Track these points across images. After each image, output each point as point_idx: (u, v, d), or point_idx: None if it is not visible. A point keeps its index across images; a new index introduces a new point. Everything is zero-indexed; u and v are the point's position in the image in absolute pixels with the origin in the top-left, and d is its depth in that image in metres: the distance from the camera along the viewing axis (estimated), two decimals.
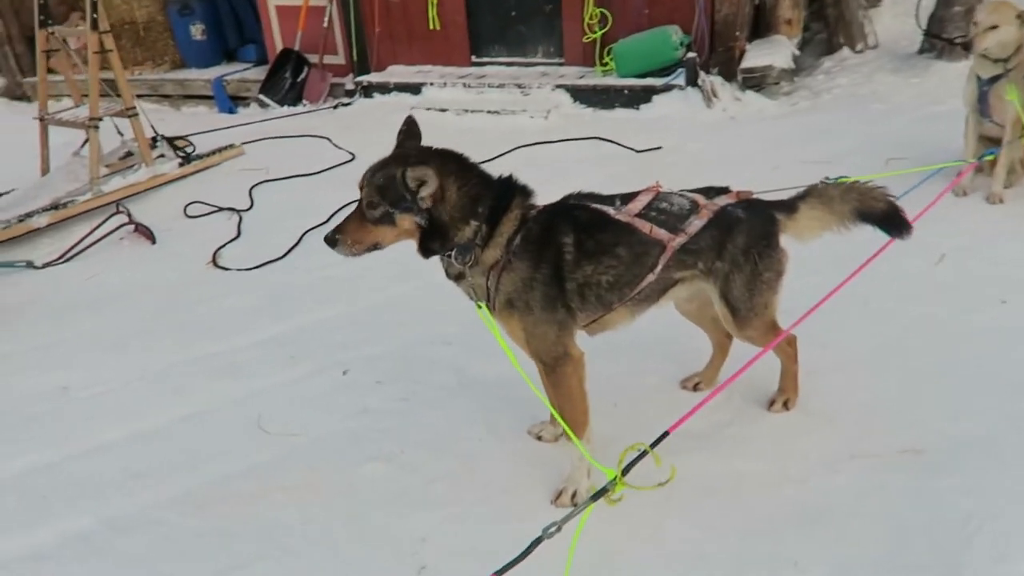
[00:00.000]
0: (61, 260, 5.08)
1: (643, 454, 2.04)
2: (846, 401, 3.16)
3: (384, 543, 2.59)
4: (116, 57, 5.79)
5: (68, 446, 3.20)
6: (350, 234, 2.54)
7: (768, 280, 2.83)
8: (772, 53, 7.06)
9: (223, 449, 3.12)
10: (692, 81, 6.90)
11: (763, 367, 3.09)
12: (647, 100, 7.02)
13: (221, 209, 5.67)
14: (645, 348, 3.56)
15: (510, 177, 2.66)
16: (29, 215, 5.42)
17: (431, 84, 7.73)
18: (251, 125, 7.73)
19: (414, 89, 7.77)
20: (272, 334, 3.95)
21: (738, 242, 2.77)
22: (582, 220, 2.66)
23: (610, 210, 2.70)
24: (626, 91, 7.11)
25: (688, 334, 3.36)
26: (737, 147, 6.10)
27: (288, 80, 8.62)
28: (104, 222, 5.34)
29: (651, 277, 2.71)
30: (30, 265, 5.00)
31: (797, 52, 7.59)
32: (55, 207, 5.53)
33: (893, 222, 2.85)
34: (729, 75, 7.09)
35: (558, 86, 7.32)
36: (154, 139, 6.32)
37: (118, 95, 5.97)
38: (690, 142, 6.28)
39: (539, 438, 3.07)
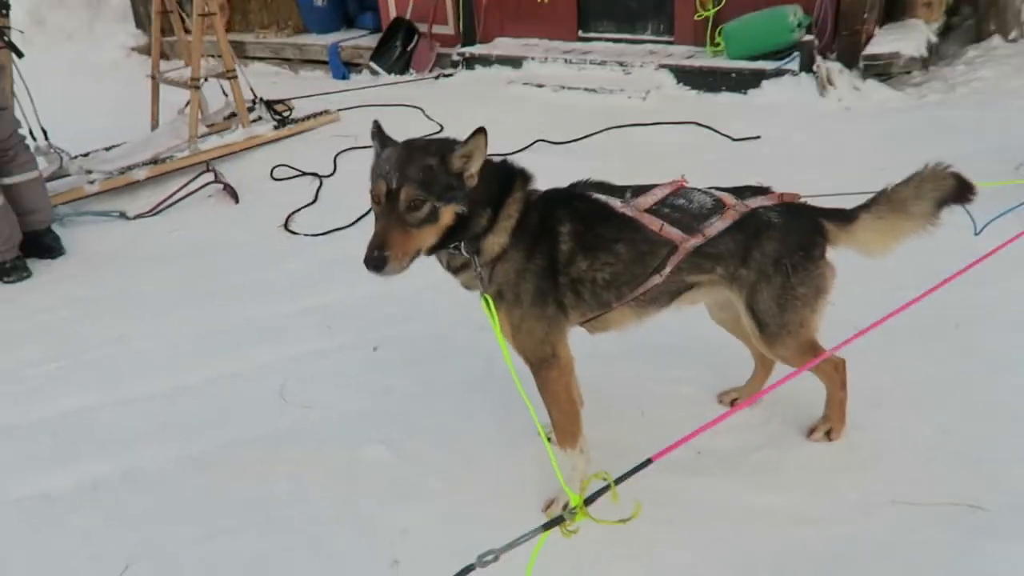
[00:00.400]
0: (151, 213, 5.34)
1: (605, 488, 1.84)
2: (902, 438, 2.81)
3: (365, 531, 2.53)
4: (219, 20, 5.99)
5: (109, 393, 3.35)
6: (398, 247, 2.18)
7: (803, 296, 2.52)
8: (903, 39, 6.40)
9: (243, 413, 3.16)
10: (807, 66, 6.37)
11: (816, 390, 2.81)
12: (755, 85, 6.56)
13: (304, 174, 5.78)
14: (688, 353, 3.32)
15: (508, 160, 2.48)
16: (131, 168, 5.72)
17: (533, 59, 7.56)
18: (354, 92, 7.84)
19: (515, 63, 7.63)
20: (318, 303, 3.98)
21: (767, 249, 2.48)
22: (582, 210, 2.46)
23: (616, 202, 2.49)
24: (734, 74, 6.67)
25: (739, 343, 3.09)
26: (845, 141, 5.59)
27: (398, 48, 8.68)
28: (194, 179, 5.57)
29: (657, 279, 2.48)
30: (123, 216, 5.29)
31: (934, 39, 6.86)
32: (155, 162, 5.81)
33: (962, 189, 2.50)
34: (851, 61, 6.49)
35: (662, 66, 6.96)
36: (254, 101, 6.50)
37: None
38: (795, 133, 5.81)
39: (548, 440, 2.91)
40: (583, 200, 2.49)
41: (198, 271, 4.48)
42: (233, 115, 6.59)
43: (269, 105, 6.58)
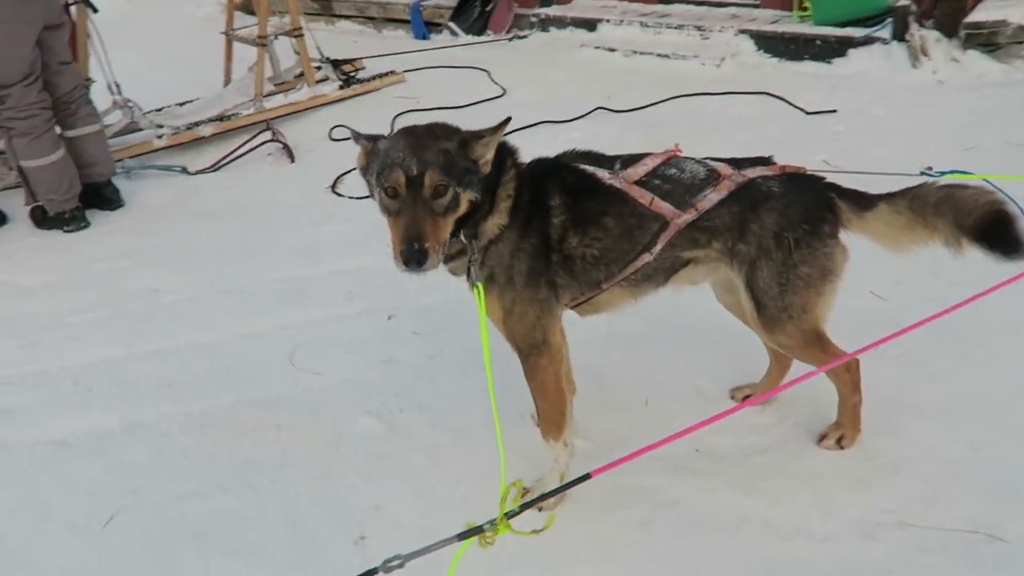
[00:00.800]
0: (211, 169, 5.47)
1: (527, 504, 1.72)
2: (926, 451, 2.56)
3: (340, 504, 2.52)
4: None
5: (132, 346, 3.46)
6: (433, 237, 2.03)
7: (806, 276, 2.31)
8: (1012, 5, 5.75)
9: (251, 375, 3.20)
10: (899, 34, 5.85)
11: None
12: (841, 53, 6.08)
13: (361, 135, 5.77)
14: (706, 341, 3.14)
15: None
16: (197, 124, 5.87)
17: (608, 21, 7.27)
18: (427, 52, 7.77)
19: (589, 25, 7.36)
20: (345, 267, 3.98)
21: (766, 222, 2.30)
22: (569, 182, 2.32)
23: (604, 173, 2.33)
24: (818, 41, 6.20)
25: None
26: (931, 118, 5.11)
27: (477, 8, 8.52)
28: (254, 137, 5.66)
29: (647, 257, 2.32)
30: (184, 171, 5.44)
31: None
32: (221, 118, 5.95)
33: (1001, 237, 2.17)
34: (951, 30, 5.90)
35: (742, 31, 6.56)
36: (322, 60, 6.54)
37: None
38: (876, 107, 5.36)
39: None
40: (570, 171, 2.36)
41: (240, 229, 4.56)
42: (302, 74, 6.65)
43: (336, 64, 6.60)
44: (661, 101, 5.73)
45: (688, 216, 2.29)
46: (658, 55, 6.63)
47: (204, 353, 3.37)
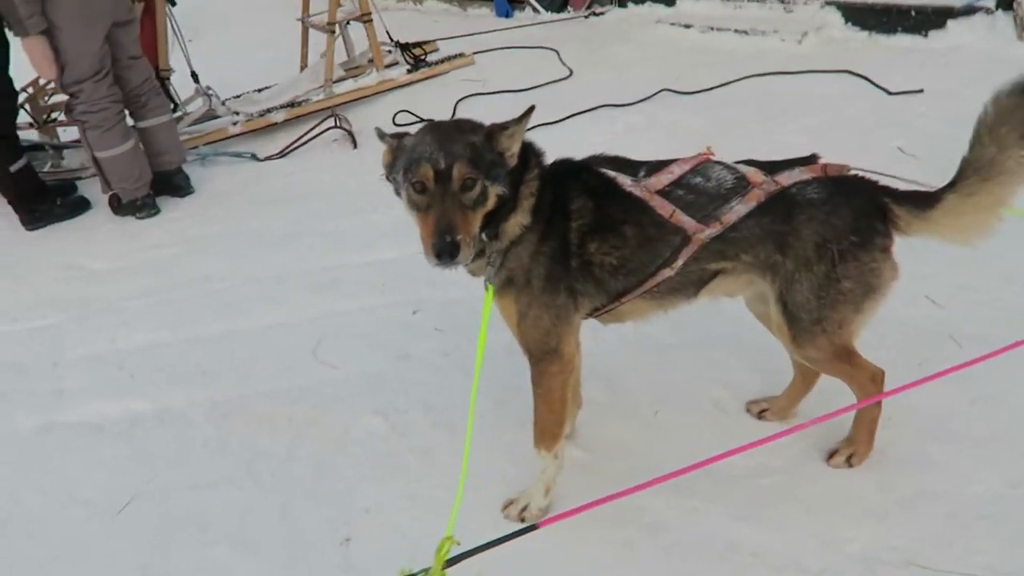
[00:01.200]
0: (278, 155, 5.64)
1: (465, 554, 1.67)
2: (953, 485, 2.35)
3: (331, 505, 2.56)
4: None
5: (175, 332, 3.63)
6: (464, 230, 2.00)
7: (848, 292, 2.15)
8: None
9: (276, 365, 3.29)
10: (1006, 3, 5.28)
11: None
12: (940, 25, 5.57)
13: (422, 120, 5.79)
14: (732, 348, 3.00)
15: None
16: (270, 110, 6.05)
17: None
18: (504, 31, 7.67)
19: (668, 0, 7.06)
20: (382, 258, 4.01)
21: (805, 233, 2.15)
22: (591, 185, 2.24)
23: (626, 179, 2.22)
24: (914, 12, 5.70)
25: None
26: None
27: None
28: (320, 123, 5.78)
29: (668, 272, 2.21)
30: (253, 157, 5.63)
31: None
32: (292, 104, 6.11)
33: None
34: None
35: (829, 2, 6.11)
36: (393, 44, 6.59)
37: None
38: (968, 87, 4.85)
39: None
40: (592, 174, 2.26)
41: (294, 216, 4.68)
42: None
43: (405, 48, 6.63)
44: (731, 82, 5.43)
45: (712, 230, 2.17)
46: (736, 31, 6.28)
47: (236, 340, 3.49)
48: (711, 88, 5.43)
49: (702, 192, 2.19)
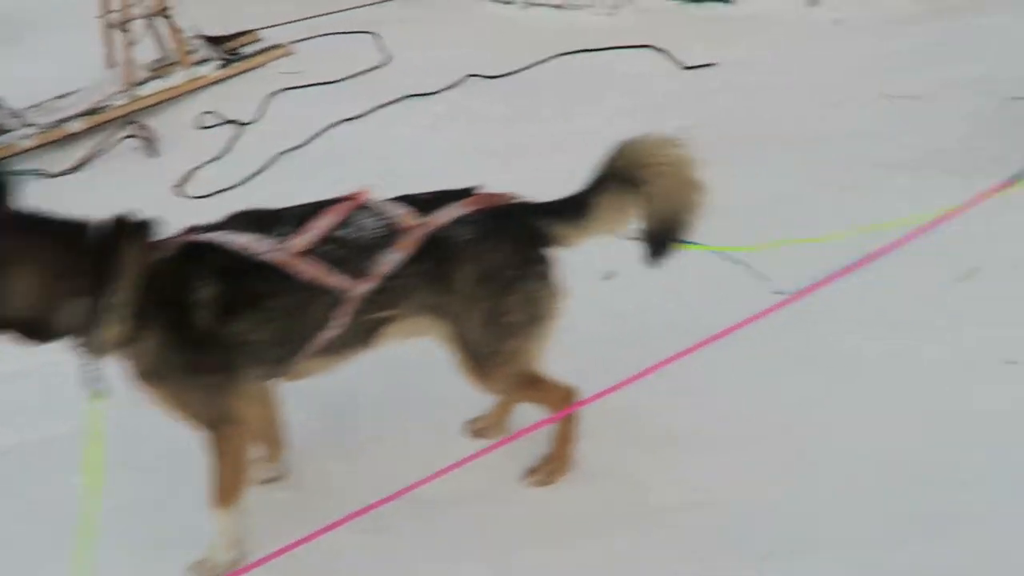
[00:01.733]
0: (74, 169, 5.31)
1: None
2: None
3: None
4: None
5: None
6: None
7: (515, 324, 2.20)
8: None
9: None
10: None
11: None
12: None
13: (227, 122, 5.54)
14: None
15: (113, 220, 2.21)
16: (66, 119, 5.68)
17: None
18: (329, 17, 7.35)
19: None
20: None
21: (463, 273, 2.15)
22: (220, 266, 2.13)
23: (264, 244, 2.12)
24: None
25: None
26: (815, 66, 4.70)
27: None
28: (119, 130, 5.46)
29: (329, 333, 2.15)
30: (40, 174, 5.23)
31: None
32: (93, 111, 5.74)
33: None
34: None
35: None
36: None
37: None
38: (761, 56, 4.95)
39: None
40: (219, 254, 2.14)
41: None
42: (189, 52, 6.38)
43: (217, 41, 6.30)
44: (535, 64, 5.35)
45: (368, 284, 2.13)
46: (553, 6, 6.20)
47: None
48: (516, 71, 5.33)
49: (352, 245, 2.15)
